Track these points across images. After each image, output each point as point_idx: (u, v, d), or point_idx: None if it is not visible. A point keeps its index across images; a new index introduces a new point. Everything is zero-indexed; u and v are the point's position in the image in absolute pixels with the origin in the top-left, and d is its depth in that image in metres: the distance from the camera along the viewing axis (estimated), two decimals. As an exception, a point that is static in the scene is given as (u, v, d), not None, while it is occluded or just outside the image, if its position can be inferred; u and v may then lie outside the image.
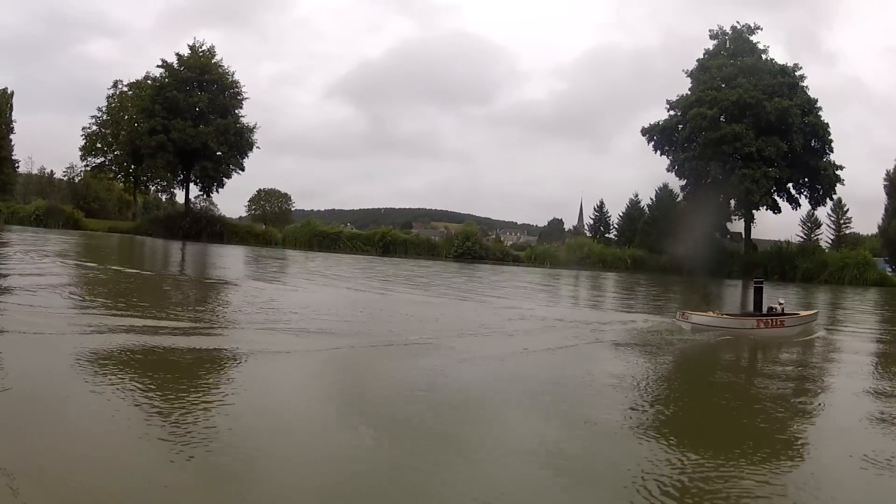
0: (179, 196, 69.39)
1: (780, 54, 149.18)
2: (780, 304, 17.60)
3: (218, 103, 61.63)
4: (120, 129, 63.62)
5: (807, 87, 57.23)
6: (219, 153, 62.53)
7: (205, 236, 59.40)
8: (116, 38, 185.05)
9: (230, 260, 37.82)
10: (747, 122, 55.19)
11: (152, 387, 7.71)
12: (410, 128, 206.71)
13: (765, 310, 17.28)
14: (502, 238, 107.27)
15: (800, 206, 59.27)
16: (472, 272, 41.20)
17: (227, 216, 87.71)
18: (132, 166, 63.30)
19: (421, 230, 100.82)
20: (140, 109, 60.69)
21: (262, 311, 15.27)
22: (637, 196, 74.28)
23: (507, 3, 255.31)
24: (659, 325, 17.28)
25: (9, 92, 77.40)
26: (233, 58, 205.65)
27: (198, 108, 60.42)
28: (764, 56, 58.21)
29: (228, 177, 64.52)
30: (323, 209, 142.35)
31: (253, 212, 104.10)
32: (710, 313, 17.34)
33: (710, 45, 60.26)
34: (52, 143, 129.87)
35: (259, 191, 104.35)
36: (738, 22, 59.72)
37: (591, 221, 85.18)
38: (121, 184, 69.06)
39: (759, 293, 17.53)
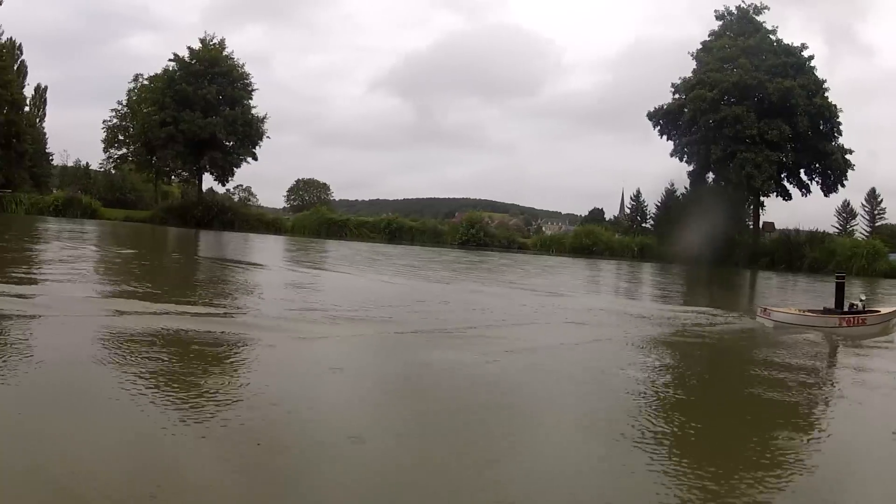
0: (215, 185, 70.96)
1: (817, 47, 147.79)
2: (861, 300, 17.06)
3: (227, 95, 63.08)
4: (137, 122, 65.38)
5: (814, 67, 55.54)
6: (229, 143, 64.17)
7: (217, 224, 60.90)
8: (160, 33, 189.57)
9: (233, 246, 38.98)
10: (748, 105, 53.88)
11: (187, 373, 7.68)
12: (456, 119, 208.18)
13: (846, 306, 16.73)
14: (543, 228, 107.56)
15: (810, 192, 57.38)
16: (490, 260, 41.82)
17: (267, 206, 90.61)
18: (153, 157, 64.62)
19: (460, 220, 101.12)
20: (152, 102, 62.35)
21: (299, 297, 15.96)
22: (672, 185, 73.80)
23: None
24: (736, 321, 16.81)
25: (42, 87, 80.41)
26: (278, 51, 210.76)
27: (206, 100, 61.74)
28: (773, 37, 56.53)
29: (238, 166, 66.10)
30: (367, 199, 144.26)
31: (292, 202, 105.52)
32: (793, 310, 16.77)
33: (717, 25, 58.56)
34: (93, 136, 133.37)
35: (298, 181, 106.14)
36: (743, 1, 57.99)
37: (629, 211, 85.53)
38: (144, 174, 70.57)
39: (840, 289, 16.83)
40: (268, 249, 38.99)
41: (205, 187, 70.29)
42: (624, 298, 24.07)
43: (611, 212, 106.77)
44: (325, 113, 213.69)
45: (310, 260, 32.75)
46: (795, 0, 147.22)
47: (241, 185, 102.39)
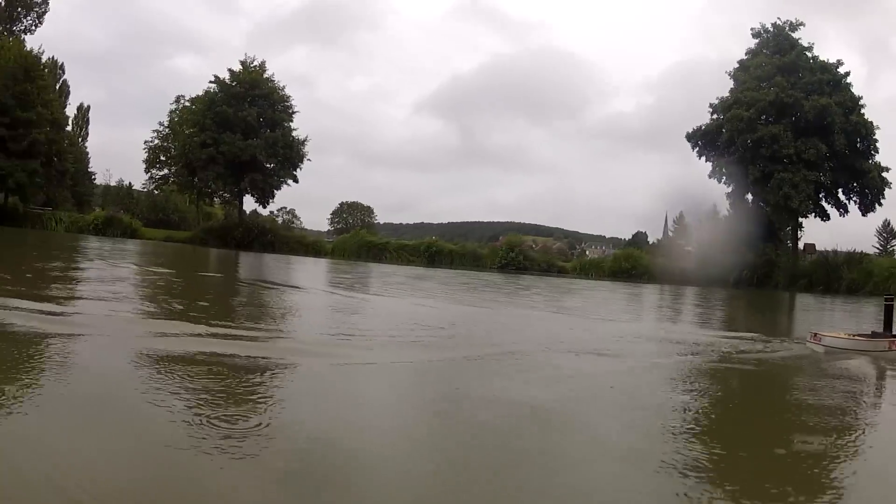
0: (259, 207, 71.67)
1: (854, 62, 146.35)
2: None
3: (267, 117, 63.60)
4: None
5: (850, 84, 55.46)
6: (271, 165, 64.55)
7: (256, 246, 61.26)
8: (205, 54, 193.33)
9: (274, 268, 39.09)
10: (785, 124, 53.72)
11: (228, 397, 7.41)
12: (500, 141, 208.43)
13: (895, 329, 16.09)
14: (587, 252, 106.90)
15: (847, 212, 57.13)
16: (532, 284, 40.96)
17: (310, 229, 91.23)
18: (195, 178, 65.26)
19: (501, 244, 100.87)
20: (192, 123, 63.05)
21: (339, 320, 15.64)
22: (715, 206, 72.80)
23: (596, 21, 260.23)
24: (784, 347, 15.76)
25: (85, 107, 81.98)
26: (323, 73, 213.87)
27: (247, 122, 62.27)
28: (809, 54, 56.47)
29: (278, 188, 66.37)
30: (412, 222, 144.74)
31: (335, 225, 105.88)
32: (843, 335, 16.05)
33: (753, 43, 58.71)
34: (137, 155, 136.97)
35: (342, 203, 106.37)
36: (779, 18, 58.21)
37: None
38: (185, 196, 71.39)
39: (889, 312, 16.21)
40: (307, 272, 39.13)
41: (248, 209, 71.01)
42: (667, 323, 22.90)
43: (654, 234, 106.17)
44: (371, 134, 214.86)
45: (349, 283, 32.23)
46: (832, 15, 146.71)
47: (285, 208, 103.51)
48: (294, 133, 66.08)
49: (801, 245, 62.56)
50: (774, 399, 10.62)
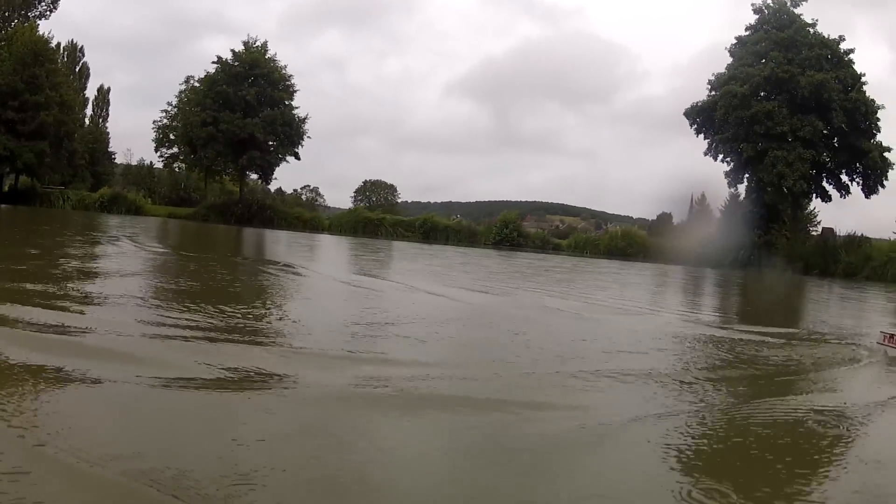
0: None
1: (883, 53, 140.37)
2: None
3: (266, 95, 64.82)
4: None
5: (853, 60, 53.29)
6: (271, 143, 66.02)
7: (256, 221, 62.70)
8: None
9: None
10: (781, 100, 51.98)
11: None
12: (532, 125, 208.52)
13: None
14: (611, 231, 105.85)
15: (849, 193, 55.18)
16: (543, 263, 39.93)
17: (335, 207, 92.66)
18: (204, 156, 66.81)
19: (531, 223, 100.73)
20: (195, 103, 64.62)
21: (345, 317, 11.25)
22: (736, 189, 71.48)
23: (627, 5, 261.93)
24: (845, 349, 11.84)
25: (105, 88, 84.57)
26: (355, 56, 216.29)
27: (246, 101, 63.72)
28: (812, 30, 54.25)
29: (278, 165, 68.24)
30: (440, 201, 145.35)
31: (359, 203, 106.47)
32: None
33: (754, 19, 56.42)
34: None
35: (365, 182, 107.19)
36: (780, -7, 55.71)
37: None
38: (193, 172, 73.16)
39: None
40: (308, 248, 38.10)
41: (273, 187, 72.67)
42: (691, 314, 17.53)
43: (679, 216, 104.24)
44: (403, 117, 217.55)
45: (350, 262, 30.12)
46: (861, 6, 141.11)
47: (308, 186, 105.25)
48: (295, 112, 67.38)
49: (819, 229, 61.27)
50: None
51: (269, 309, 11.89)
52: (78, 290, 11.18)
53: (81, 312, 9.16)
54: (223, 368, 6.63)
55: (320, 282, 18.72)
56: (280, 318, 11.07)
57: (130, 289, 12.09)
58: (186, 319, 9.15)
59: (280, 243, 40.06)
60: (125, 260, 19.11)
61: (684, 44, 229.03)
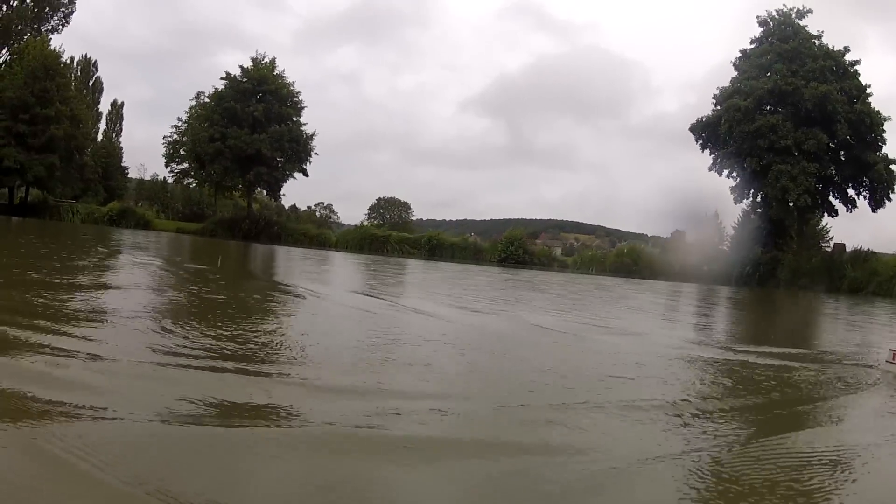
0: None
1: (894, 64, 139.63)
2: None
3: (273, 112, 65.28)
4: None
5: (858, 72, 52.70)
6: (279, 159, 66.44)
7: (263, 237, 63.00)
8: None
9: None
10: (785, 113, 51.59)
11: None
12: (546, 140, 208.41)
13: None
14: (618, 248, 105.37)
15: (855, 206, 54.46)
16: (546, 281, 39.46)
17: (348, 224, 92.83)
18: (212, 172, 67.24)
19: (546, 241, 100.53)
20: (203, 118, 65.25)
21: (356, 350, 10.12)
22: (749, 205, 70.78)
23: (640, 21, 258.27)
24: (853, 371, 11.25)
25: (119, 103, 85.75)
26: (369, 70, 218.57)
27: (254, 117, 64.24)
28: (817, 42, 53.81)
29: (285, 181, 68.61)
30: (455, 219, 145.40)
31: (372, 220, 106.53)
32: None
33: (759, 32, 55.93)
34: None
35: (379, 199, 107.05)
36: (784, 5, 55.45)
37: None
38: (203, 188, 73.62)
39: None
40: (322, 266, 37.10)
41: (287, 204, 72.93)
42: (700, 337, 16.48)
43: (693, 233, 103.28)
44: (417, 132, 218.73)
45: (360, 282, 28.26)
46: (873, 17, 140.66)
47: (322, 203, 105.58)
48: (302, 128, 67.89)
49: (831, 245, 60.58)
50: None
51: (254, 333, 10.90)
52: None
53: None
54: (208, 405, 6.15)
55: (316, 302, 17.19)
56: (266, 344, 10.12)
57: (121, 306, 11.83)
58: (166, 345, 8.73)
59: (278, 259, 40.52)
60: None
61: (698, 59, 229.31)
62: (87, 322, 9.88)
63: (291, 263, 37.54)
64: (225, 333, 10.09)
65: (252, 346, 9.56)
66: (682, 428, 6.78)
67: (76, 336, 8.59)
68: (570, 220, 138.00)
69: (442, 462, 5.44)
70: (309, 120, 69.96)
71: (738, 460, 5.85)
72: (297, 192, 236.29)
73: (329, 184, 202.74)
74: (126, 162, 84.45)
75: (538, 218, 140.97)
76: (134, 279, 17.87)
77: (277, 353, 9.42)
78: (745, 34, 56.48)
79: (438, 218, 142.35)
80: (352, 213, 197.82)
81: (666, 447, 6.08)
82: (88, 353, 7.65)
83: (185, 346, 8.70)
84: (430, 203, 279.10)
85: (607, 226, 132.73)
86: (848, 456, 6.26)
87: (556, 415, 6.99)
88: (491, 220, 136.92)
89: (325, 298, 17.91)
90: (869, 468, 6.01)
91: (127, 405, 5.80)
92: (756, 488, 5.18)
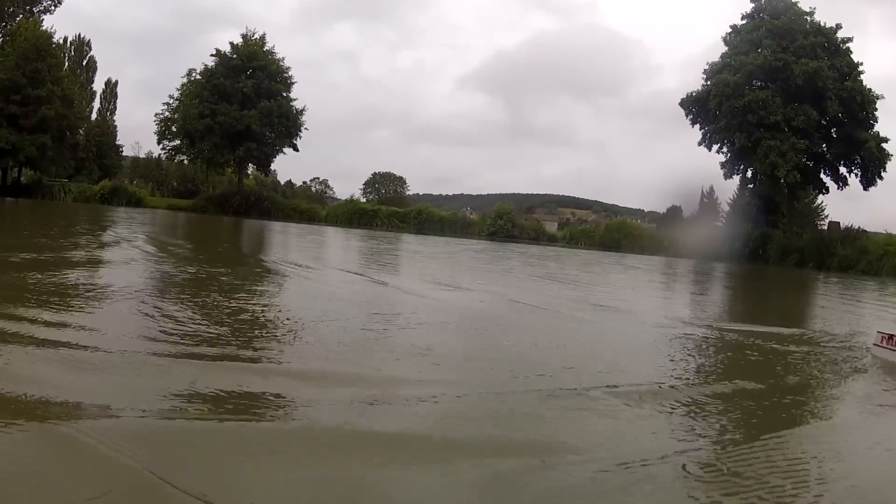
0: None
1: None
2: None
3: (263, 88, 65.15)
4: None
5: (850, 49, 51.45)
6: (270, 135, 66.50)
7: (254, 212, 63.42)
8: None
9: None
10: (774, 89, 50.58)
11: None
12: (545, 118, 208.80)
13: None
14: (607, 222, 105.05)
15: (847, 184, 53.48)
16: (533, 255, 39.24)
17: (344, 198, 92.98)
18: (203, 149, 67.32)
19: (541, 215, 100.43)
20: (194, 95, 65.22)
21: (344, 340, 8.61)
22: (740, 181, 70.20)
23: None
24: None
25: (112, 82, 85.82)
26: (368, 49, 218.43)
27: (243, 93, 64.31)
28: (808, 18, 52.50)
29: (275, 157, 69.08)
30: (450, 193, 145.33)
31: (368, 195, 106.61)
32: None
33: (750, 7, 54.65)
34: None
35: (374, 174, 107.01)
36: (777, -21, 53.95)
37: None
38: (195, 164, 73.73)
39: None
40: (312, 241, 37.15)
41: (283, 180, 73.08)
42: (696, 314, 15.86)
43: (689, 209, 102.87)
44: (415, 109, 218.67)
45: (350, 258, 27.33)
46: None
47: (318, 178, 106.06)
48: (292, 104, 67.90)
49: (826, 224, 59.94)
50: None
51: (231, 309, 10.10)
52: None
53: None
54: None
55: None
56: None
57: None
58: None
59: (261, 234, 40.41)
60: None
61: (698, 37, 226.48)
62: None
63: (257, 239, 36.41)
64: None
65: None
66: (668, 416, 6.32)
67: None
68: (567, 195, 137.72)
69: (425, 458, 4.86)
70: (306, 98, 69.85)
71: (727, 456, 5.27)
72: (295, 170, 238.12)
73: (328, 162, 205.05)
74: (122, 140, 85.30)
75: (535, 193, 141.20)
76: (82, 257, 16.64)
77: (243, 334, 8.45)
78: (744, 10, 55.00)
79: (435, 193, 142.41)
80: (349, 190, 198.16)
81: (653, 441, 5.56)
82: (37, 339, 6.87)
83: (149, 333, 7.82)
84: (428, 180, 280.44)
85: (605, 201, 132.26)
86: (833, 447, 5.80)
87: (538, 406, 6.34)
88: (488, 195, 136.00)
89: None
90: (853, 460, 5.54)
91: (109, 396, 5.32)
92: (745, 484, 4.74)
